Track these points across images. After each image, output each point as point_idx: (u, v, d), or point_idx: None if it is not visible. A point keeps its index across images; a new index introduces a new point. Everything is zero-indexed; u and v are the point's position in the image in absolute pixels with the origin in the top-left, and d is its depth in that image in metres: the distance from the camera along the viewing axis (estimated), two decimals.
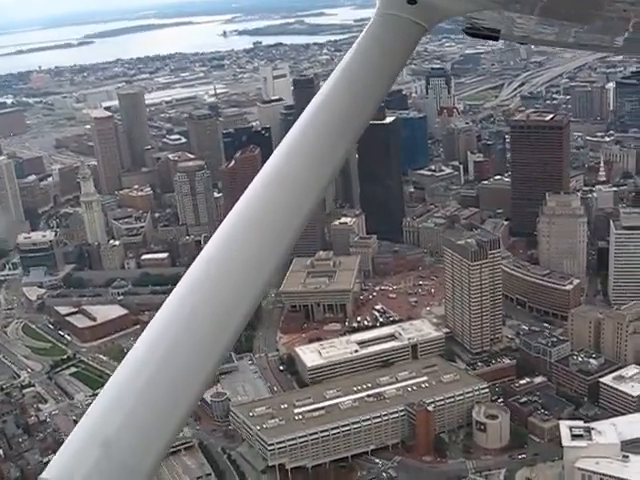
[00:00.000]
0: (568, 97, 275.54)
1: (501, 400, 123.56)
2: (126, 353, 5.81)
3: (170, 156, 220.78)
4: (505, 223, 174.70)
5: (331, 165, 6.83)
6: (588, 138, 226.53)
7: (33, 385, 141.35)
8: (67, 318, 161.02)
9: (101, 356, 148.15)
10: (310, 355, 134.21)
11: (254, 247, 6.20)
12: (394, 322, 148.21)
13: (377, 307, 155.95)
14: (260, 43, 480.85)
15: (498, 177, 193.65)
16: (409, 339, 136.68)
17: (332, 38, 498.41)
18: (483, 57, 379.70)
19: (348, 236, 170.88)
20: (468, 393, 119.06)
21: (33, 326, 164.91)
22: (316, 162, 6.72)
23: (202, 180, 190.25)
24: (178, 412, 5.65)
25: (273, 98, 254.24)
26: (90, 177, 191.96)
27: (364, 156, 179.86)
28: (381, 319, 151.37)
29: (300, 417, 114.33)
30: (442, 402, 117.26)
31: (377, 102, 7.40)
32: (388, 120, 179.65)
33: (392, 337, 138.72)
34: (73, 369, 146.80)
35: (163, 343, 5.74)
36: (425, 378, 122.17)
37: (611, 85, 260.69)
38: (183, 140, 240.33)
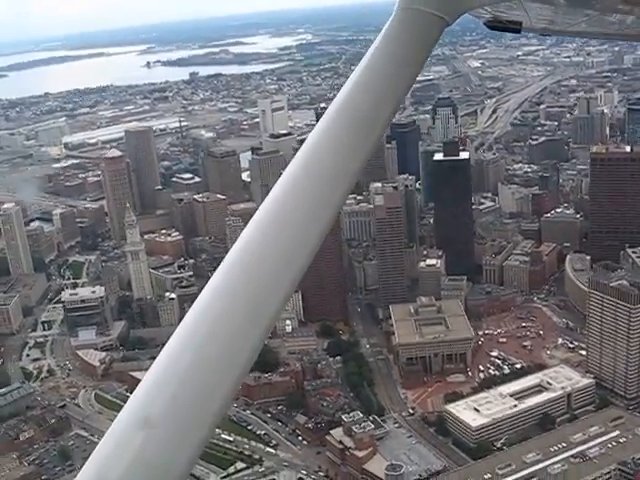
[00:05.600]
0: (556, 123, 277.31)
1: None
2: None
3: (197, 197, 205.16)
4: (588, 258, 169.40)
5: (357, 162, 6.63)
6: None
7: None
8: None
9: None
10: (467, 413, 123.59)
11: (284, 243, 6.09)
12: (522, 370, 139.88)
13: (493, 354, 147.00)
14: (197, 74, 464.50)
15: (559, 210, 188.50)
16: (562, 388, 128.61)
17: (267, 67, 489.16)
18: (440, 84, 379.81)
19: (438, 279, 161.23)
20: None
21: (107, 396, 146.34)
22: (341, 160, 6.54)
23: None
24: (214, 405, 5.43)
25: (282, 132, 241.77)
26: (136, 224, 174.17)
27: (440, 192, 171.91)
28: (505, 367, 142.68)
29: None
30: None
31: (400, 97, 7.19)
32: (463, 156, 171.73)
33: (540, 387, 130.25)
34: None
35: (198, 335, 5.59)
36: (618, 432, 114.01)
37: (607, 111, 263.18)
38: (197, 179, 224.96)
